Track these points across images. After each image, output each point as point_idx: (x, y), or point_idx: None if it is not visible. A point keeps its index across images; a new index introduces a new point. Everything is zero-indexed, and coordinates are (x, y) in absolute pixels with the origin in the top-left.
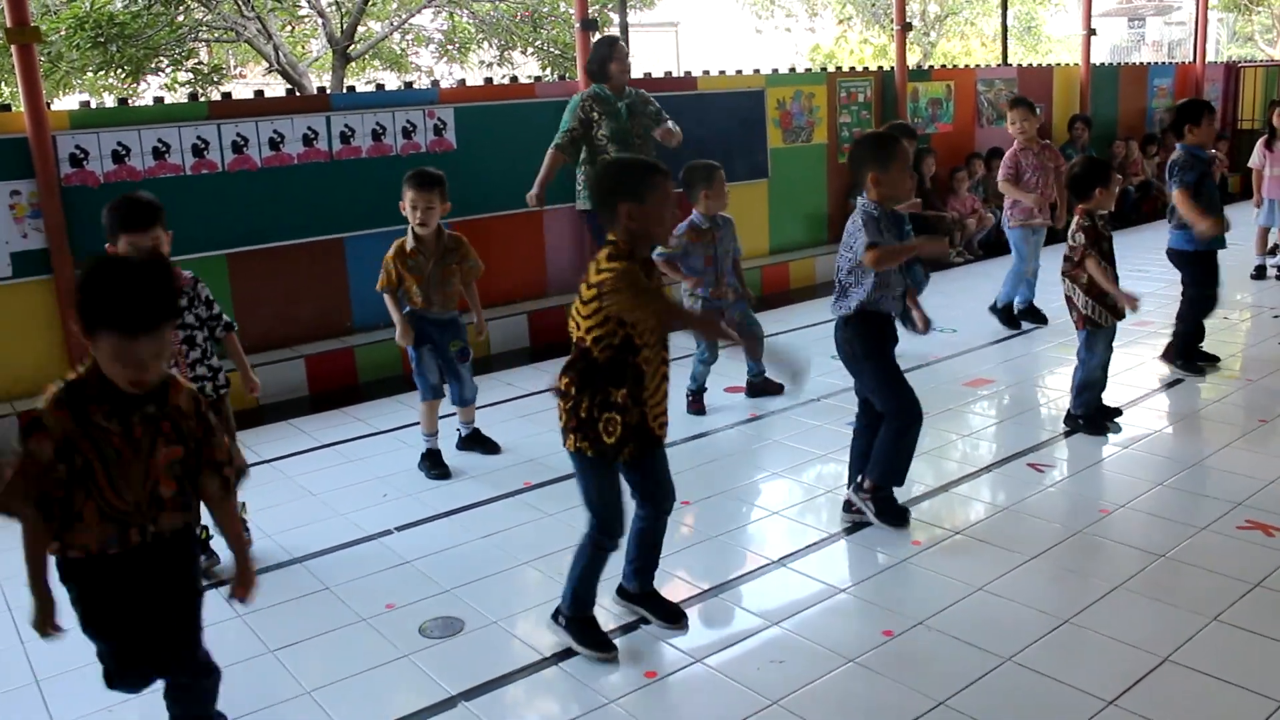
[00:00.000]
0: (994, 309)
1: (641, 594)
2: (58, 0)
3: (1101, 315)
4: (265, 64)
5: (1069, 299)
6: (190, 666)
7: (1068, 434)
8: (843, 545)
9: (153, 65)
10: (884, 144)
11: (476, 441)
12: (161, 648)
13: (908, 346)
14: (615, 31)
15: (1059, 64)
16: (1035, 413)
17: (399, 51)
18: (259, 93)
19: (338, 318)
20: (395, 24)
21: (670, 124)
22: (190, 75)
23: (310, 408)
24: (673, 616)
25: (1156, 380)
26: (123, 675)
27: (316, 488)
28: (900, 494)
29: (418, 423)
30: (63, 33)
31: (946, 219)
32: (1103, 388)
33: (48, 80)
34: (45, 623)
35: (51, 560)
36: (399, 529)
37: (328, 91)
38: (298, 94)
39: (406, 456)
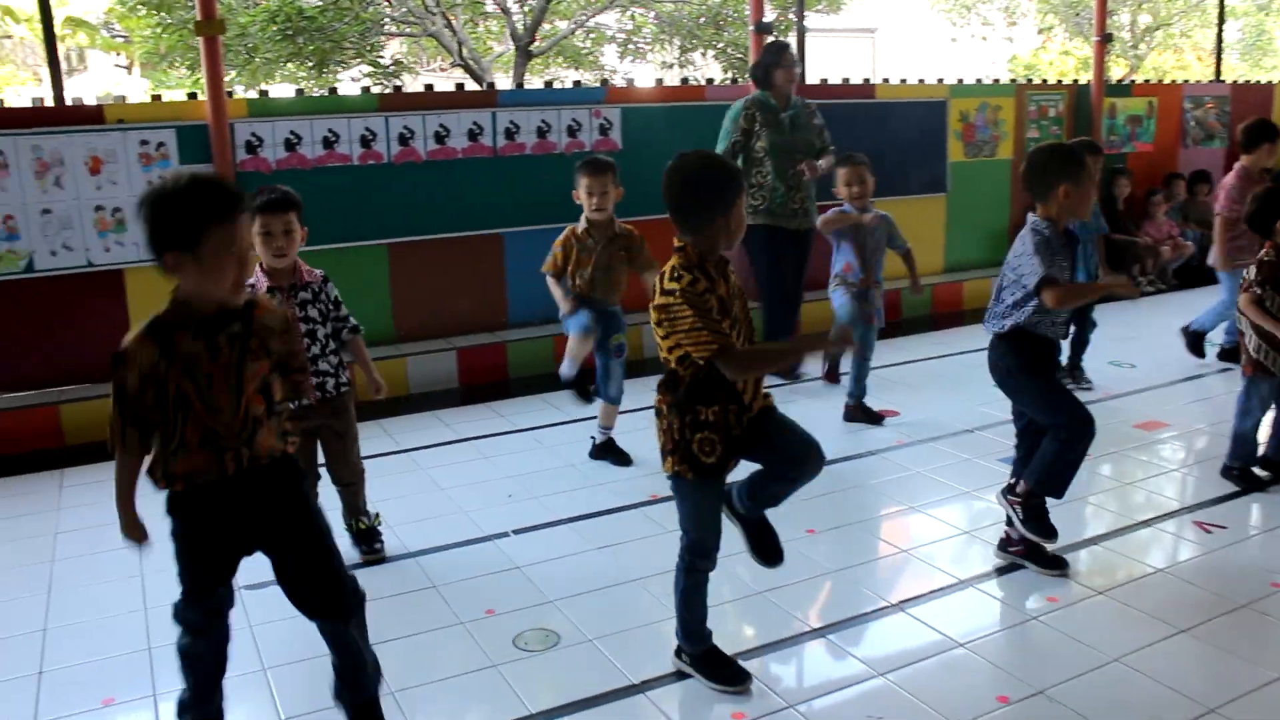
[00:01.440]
0: (1185, 329)
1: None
2: None
3: (1273, 360)
4: (450, 59)
5: (1241, 336)
6: (338, 606)
7: (1244, 491)
8: (971, 594)
9: (338, 59)
10: (1071, 155)
11: (609, 451)
12: (308, 591)
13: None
14: (795, 36)
15: None
16: (1212, 464)
17: (582, 50)
18: (428, 87)
19: (493, 312)
20: (578, 23)
21: (824, 161)
22: (371, 69)
23: (460, 400)
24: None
25: None
26: (196, 600)
27: (446, 482)
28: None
29: (557, 423)
30: (258, 26)
31: (1138, 245)
32: (1254, 445)
33: (245, 71)
34: (131, 531)
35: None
36: (515, 532)
37: (498, 88)
38: (465, 89)
39: (540, 457)
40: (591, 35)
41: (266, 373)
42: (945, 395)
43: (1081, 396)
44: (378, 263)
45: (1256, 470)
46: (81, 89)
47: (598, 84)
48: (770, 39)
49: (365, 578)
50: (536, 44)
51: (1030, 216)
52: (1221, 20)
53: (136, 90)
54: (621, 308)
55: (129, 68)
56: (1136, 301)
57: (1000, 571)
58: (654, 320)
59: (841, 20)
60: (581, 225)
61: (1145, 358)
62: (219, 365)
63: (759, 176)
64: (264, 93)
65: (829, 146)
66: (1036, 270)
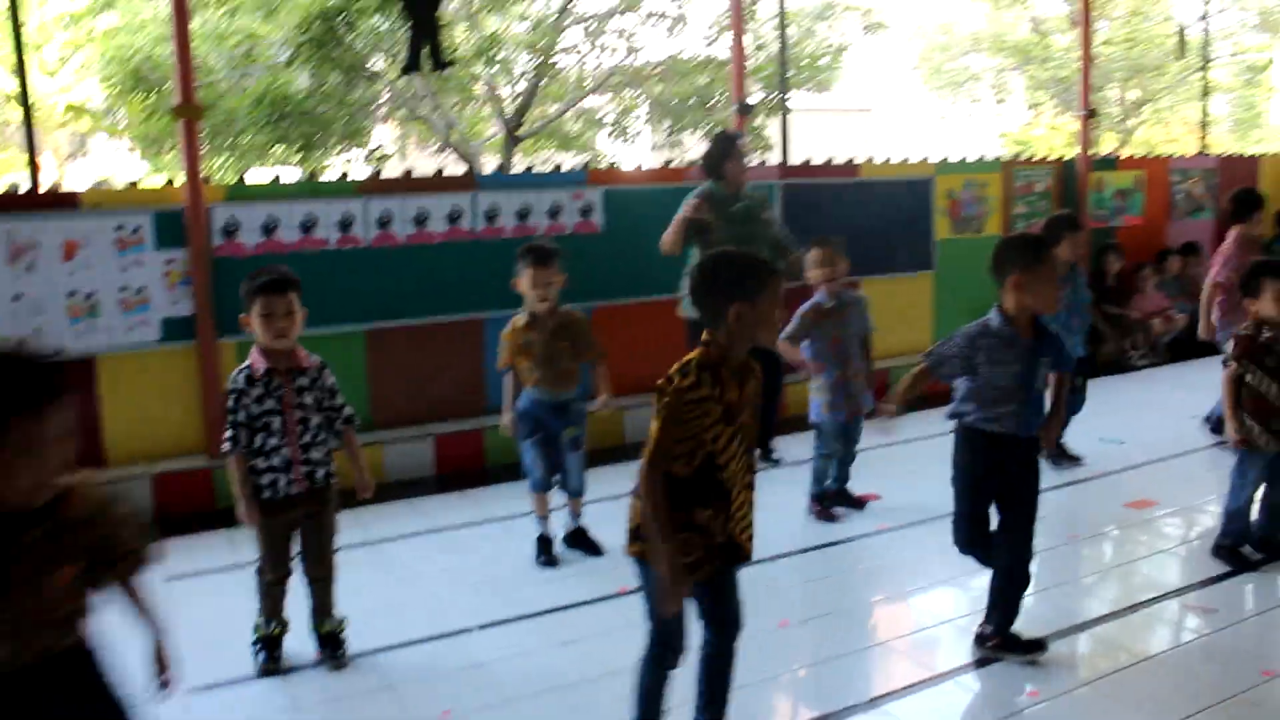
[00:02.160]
0: (1209, 419)
1: None
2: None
3: (1262, 438)
4: (438, 143)
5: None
6: None
7: (1235, 572)
8: (950, 689)
9: (325, 143)
10: (1026, 245)
11: (580, 542)
12: None
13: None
14: (779, 117)
15: (1266, 153)
16: (1203, 544)
17: (572, 134)
18: (407, 172)
19: (472, 398)
20: (568, 105)
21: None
22: (357, 152)
23: (436, 488)
24: None
25: None
26: None
27: (415, 574)
28: (1027, 633)
29: (530, 512)
30: (245, 111)
31: (1126, 319)
32: (1246, 522)
33: (231, 155)
34: None
35: None
36: (481, 627)
37: (476, 172)
38: (444, 173)
39: (513, 547)
40: (582, 117)
41: (79, 574)
42: (930, 477)
43: (1070, 474)
44: (355, 348)
45: (1245, 549)
46: (82, 174)
47: (579, 167)
48: (720, 130)
49: (320, 678)
50: (525, 127)
51: (991, 313)
52: (1206, 95)
53: (135, 175)
54: (578, 393)
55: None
56: (1130, 375)
57: (980, 664)
58: (657, 400)
59: (834, 100)
60: (523, 318)
61: (1135, 433)
62: (20, 572)
63: None
64: (242, 177)
65: (792, 249)
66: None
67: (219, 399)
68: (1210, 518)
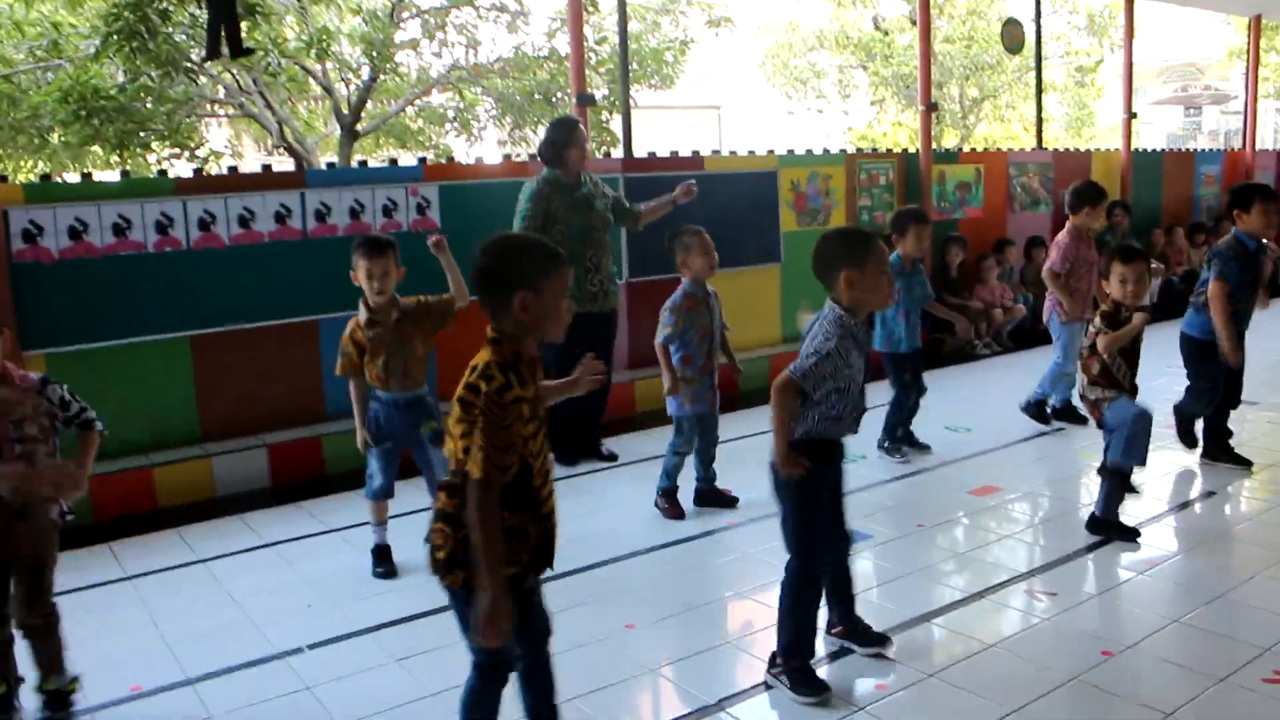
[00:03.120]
0: (1027, 405)
1: None
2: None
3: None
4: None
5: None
6: None
7: (1077, 554)
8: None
9: (143, 141)
10: (858, 239)
11: None
12: None
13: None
14: (623, 110)
15: (1098, 149)
16: (1046, 528)
17: (415, 130)
18: (232, 169)
19: (309, 404)
20: (407, 101)
21: (666, 197)
22: (177, 151)
23: (271, 500)
24: None
25: (1188, 491)
26: None
27: (241, 593)
28: (873, 624)
29: (363, 523)
30: (50, 107)
31: (969, 309)
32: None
33: (38, 155)
34: None
35: None
36: (311, 646)
37: (305, 168)
38: (272, 169)
39: (349, 559)
40: (423, 114)
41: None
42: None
43: (917, 463)
44: (179, 356)
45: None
46: None
47: (416, 162)
48: (560, 116)
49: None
50: (364, 124)
51: (827, 304)
52: (1040, 92)
53: None
54: (428, 389)
55: None
56: (975, 364)
57: (831, 657)
58: (454, 414)
59: (681, 97)
60: (362, 315)
61: (982, 421)
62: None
63: None
64: (46, 176)
65: (626, 203)
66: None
67: None
68: (1054, 501)
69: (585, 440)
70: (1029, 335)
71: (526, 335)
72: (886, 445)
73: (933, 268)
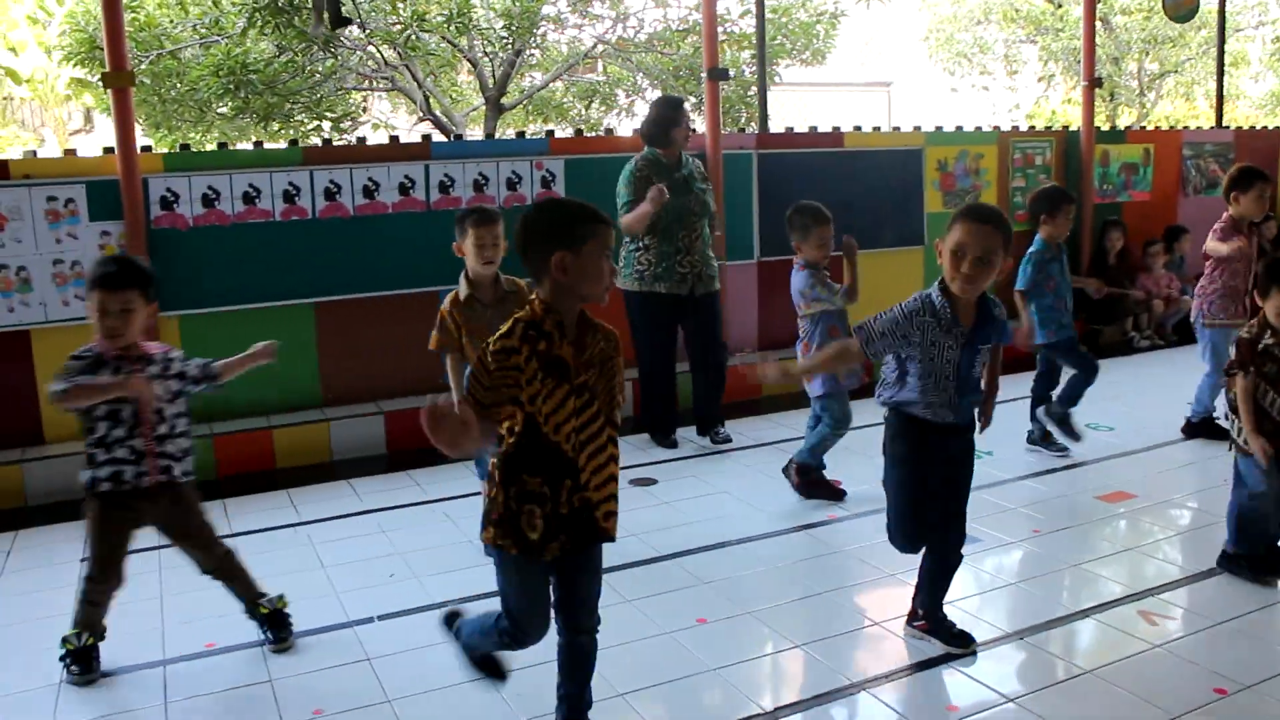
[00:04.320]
0: (1189, 424)
1: None
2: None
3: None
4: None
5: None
6: None
7: (1206, 574)
8: (856, 701)
9: (285, 113)
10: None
11: None
12: None
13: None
14: (759, 85)
15: None
16: (1175, 543)
17: (565, 105)
18: (361, 140)
19: (426, 375)
20: (552, 75)
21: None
22: (330, 123)
23: (385, 467)
24: None
25: None
26: None
27: (331, 558)
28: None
29: (468, 495)
30: (205, 81)
31: (1129, 298)
32: (1268, 525)
33: (197, 127)
34: None
35: None
36: (381, 617)
37: (430, 141)
38: (400, 141)
39: (443, 532)
40: (573, 89)
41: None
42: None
43: (1048, 462)
44: (304, 323)
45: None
46: (87, 146)
47: (542, 135)
48: (663, 96)
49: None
50: (510, 97)
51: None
52: (1221, 64)
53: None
54: None
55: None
56: (1128, 359)
57: (917, 668)
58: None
59: (852, 74)
60: (463, 290)
61: (1128, 419)
62: None
63: (647, 239)
64: (185, 146)
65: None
66: None
67: None
68: (1188, 513)
69: (700, 422)
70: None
71: (568, 297)
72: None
73: (1090, 254)
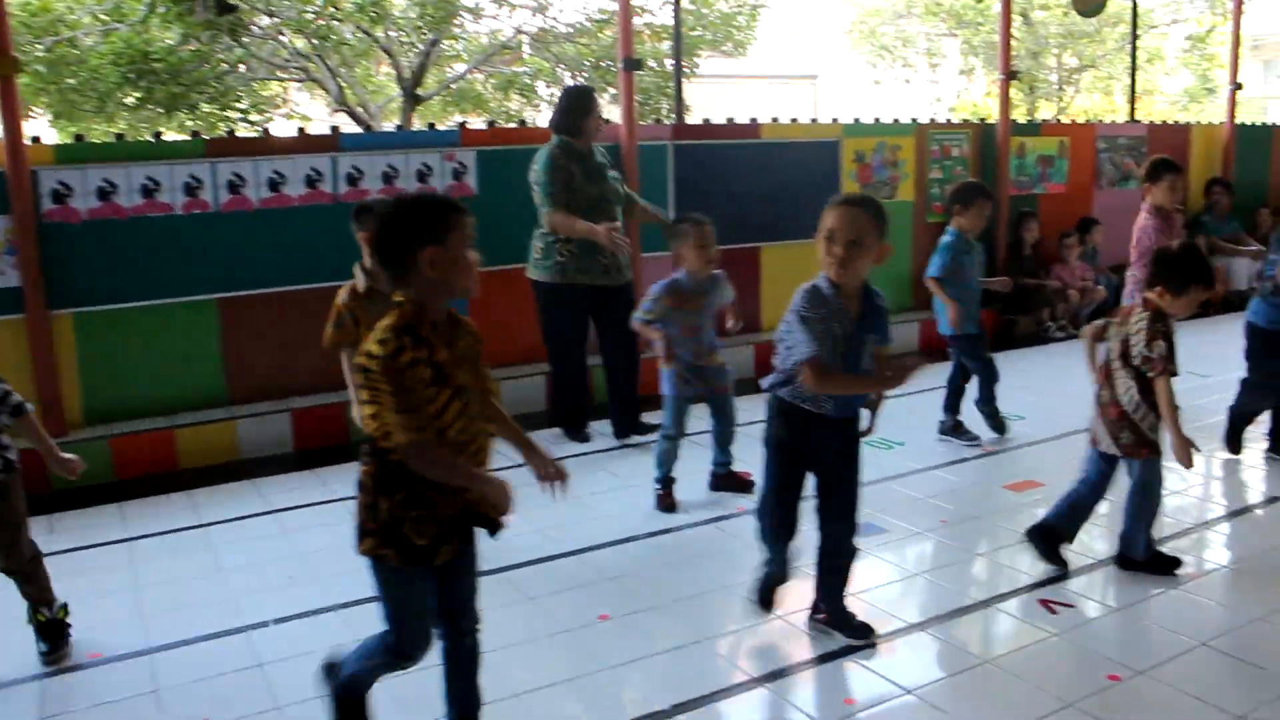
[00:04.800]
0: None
1: None
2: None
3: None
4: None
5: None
6: None
7: (1107, 561)
8: (763, 695)
9: (189, 104)
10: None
11: None
12: None
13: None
14: (675, 76)
15: (1198, 122)
16: (1080, 531)
17: (486, 96)
18: (265, 131)
19: (336, 370)
20: (469, 66)
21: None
22: (227, 113)
23: (293, 465)
24: None
25: (1244, 496)
26: None
27: (231, 561)
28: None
29: None
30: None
31: (1045, 289)
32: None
33: (100, 119)
34: None
35: None
36: (277, 621)
37: (339, 132)
38: (307, 133)
39: (343, 531)
40: (492, 80)
41: None
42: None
43: (956, 453)
44: (207, 319)
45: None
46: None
47: (455, 126)
48: (573, 85)
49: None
50: (427, 89)
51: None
52: (1134, 59)
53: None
54: None
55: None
56: (1042, 349)
57: (817, 661)
58: (357, 380)
59: (785, 66)
60: (361, 283)
61: (1039, 409)
62: None
63: None
64: (79, 137)
65: (633, 195)
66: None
67: (51, 374)
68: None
69: (619, 424)
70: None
71: (437, 294)
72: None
73: (1006, 244)
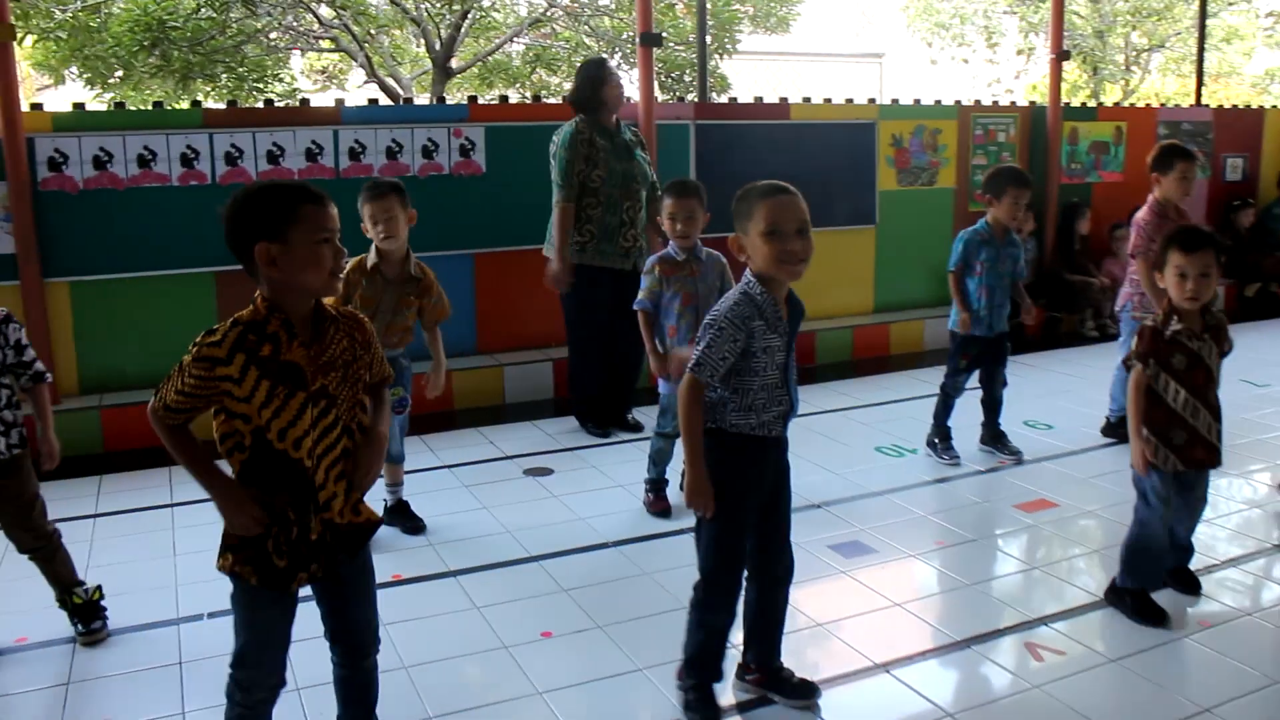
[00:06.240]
0: (1109, 428)
1: None
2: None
3: (1163, 457)
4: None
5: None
6: None
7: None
8: None
9: (207, 73)
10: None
11: (400, 515)
12: None
13: (968, 444)
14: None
15: (1274, 106)
16: (1088, 562)
17: (522, 68)
18: (269, 102)
19: None
20: (504, 39)
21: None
22: (243, 83)
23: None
24: None
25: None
26: None
27: (187, 546)
28: (813, 672)
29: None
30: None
31: (1093, 287)
32: (1161, 558)
33: (126, 84)
34: None
35: None
36: (212, 615)
37: (341, 105)
38: (309, 104)
39: None
40: (529, 53)
41: None
42: (833, 455)
43: (971, 464)
44: (204, 292)
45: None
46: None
47: (465, 101)
48: (587, 59)
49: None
50: (460, 61)
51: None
52: (1202, 38)
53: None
54: (404, 351)
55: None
56: (1085, 350)
57: (760, 703)
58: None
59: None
60: (372, 257)
61: (1068, 417)
62: None
63: (588, 209)
64: (79, 105)
65: (658, 188)
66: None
67: (45, 341)
68: (1111, 529)
69: (615, 409)
70: None
71: (289, 292)
72: (936, 442)
73: (1054, 237)
